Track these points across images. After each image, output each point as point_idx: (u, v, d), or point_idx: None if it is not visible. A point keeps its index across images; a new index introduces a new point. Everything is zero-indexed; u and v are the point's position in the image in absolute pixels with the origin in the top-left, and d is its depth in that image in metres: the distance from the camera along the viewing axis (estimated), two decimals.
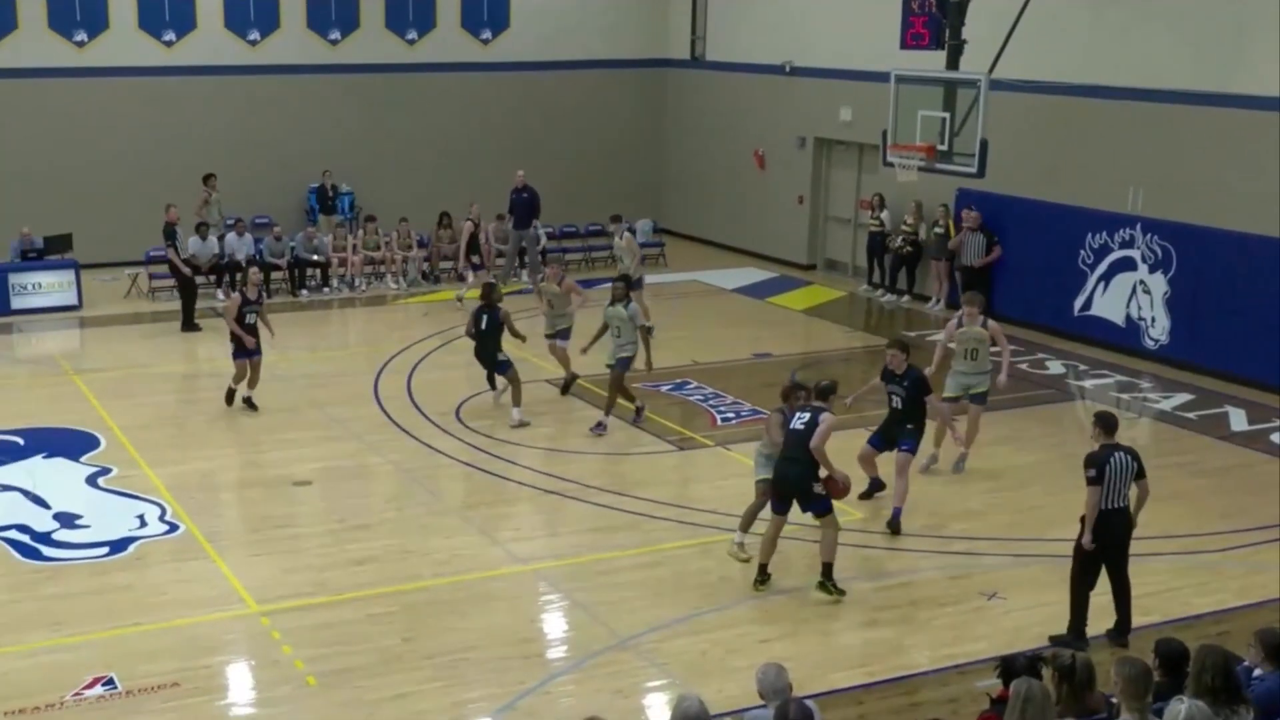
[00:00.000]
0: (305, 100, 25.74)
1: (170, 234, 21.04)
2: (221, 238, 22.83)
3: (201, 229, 22.63)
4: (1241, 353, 17.80)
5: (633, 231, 21.61)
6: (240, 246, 22.82)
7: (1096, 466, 10.18)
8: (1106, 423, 10.42)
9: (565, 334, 17.15)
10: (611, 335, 15.99)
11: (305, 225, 24.56)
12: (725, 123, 27.27)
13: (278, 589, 11.55)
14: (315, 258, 23.49)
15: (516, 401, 16.11)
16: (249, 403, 16.53)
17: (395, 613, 11.12)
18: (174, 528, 12.86)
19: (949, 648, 10.56)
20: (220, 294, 22.61)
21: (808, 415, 11.34)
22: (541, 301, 17.29)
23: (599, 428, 15.77)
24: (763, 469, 12.00)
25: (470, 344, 16.63)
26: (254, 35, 25.40)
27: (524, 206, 24.23)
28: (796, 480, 11.23)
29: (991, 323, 14.60)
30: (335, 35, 25.98)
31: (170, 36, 24.83)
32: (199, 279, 22.44)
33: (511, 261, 24.56)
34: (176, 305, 21.70)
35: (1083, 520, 10.28)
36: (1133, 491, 10.33)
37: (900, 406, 13.08)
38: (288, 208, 25.07)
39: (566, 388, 17.23)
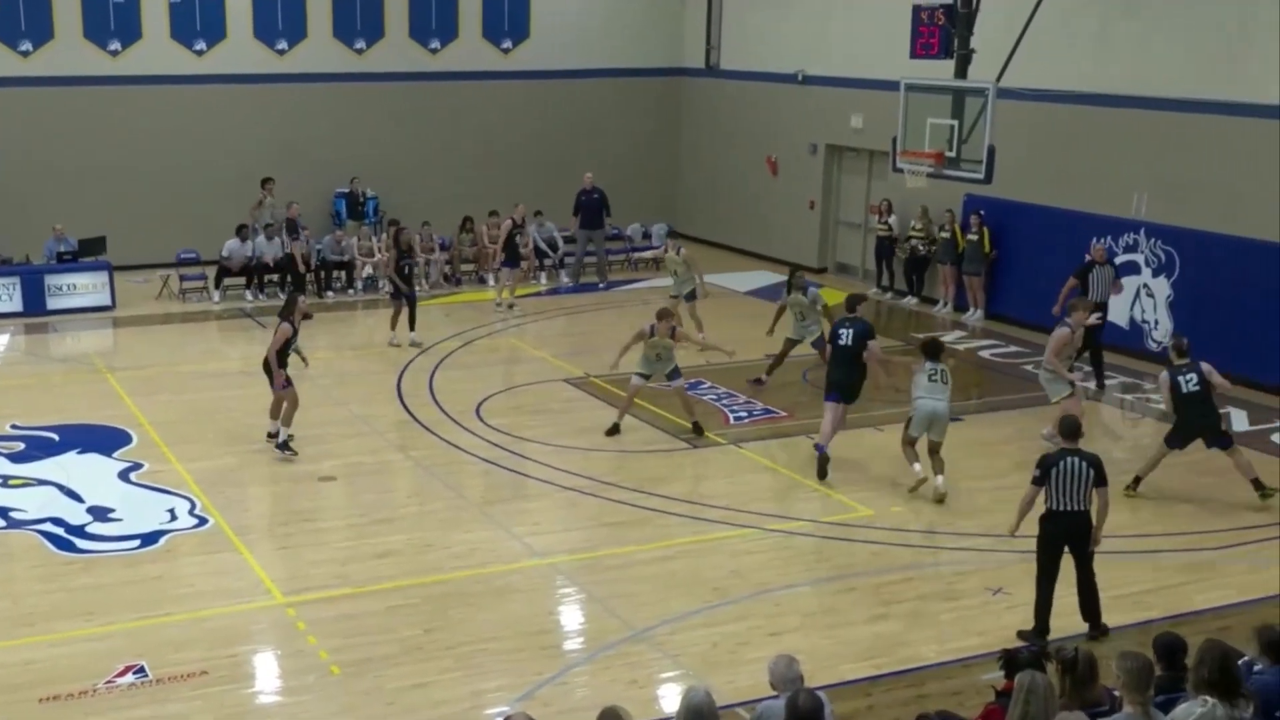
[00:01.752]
0: (331, 108, 25.79)
1: (293, 230, 22.63)
2: (287, 238, 23.05)
3: (242, 230, 22.74)
4: (1242, 355, 17.68)
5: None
6: (269, 249, 22.88)
7: (1042, 468, 10.26)
8: (1066, 428, 10.44)
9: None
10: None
11: (332, 229, 24.60)
12: (739, 130, 27.24)
13: (303, 581, 11.58)
14: (343, 259, 23.54)
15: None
16: (284, 445, 14.79)
17: (416, 604, 11.14)
18: (203, 521, 12.90)
19: (955, 641, 10.54)
20: (249, 294, 22.68)
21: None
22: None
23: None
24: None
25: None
26: (282, 45, 25.46)
27: (593, 208, 24.36)
28: None
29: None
30: (361, 45, 26.03)
31: (201, 46, 24.90)
32: (227, 279, 22.60)
33: (580, 261, 24.70)
34: (204, 306, 21.89)
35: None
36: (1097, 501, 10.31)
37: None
38: (315, 212, 25.10)
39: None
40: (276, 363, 14.74)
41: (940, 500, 13.55)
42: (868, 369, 14.55)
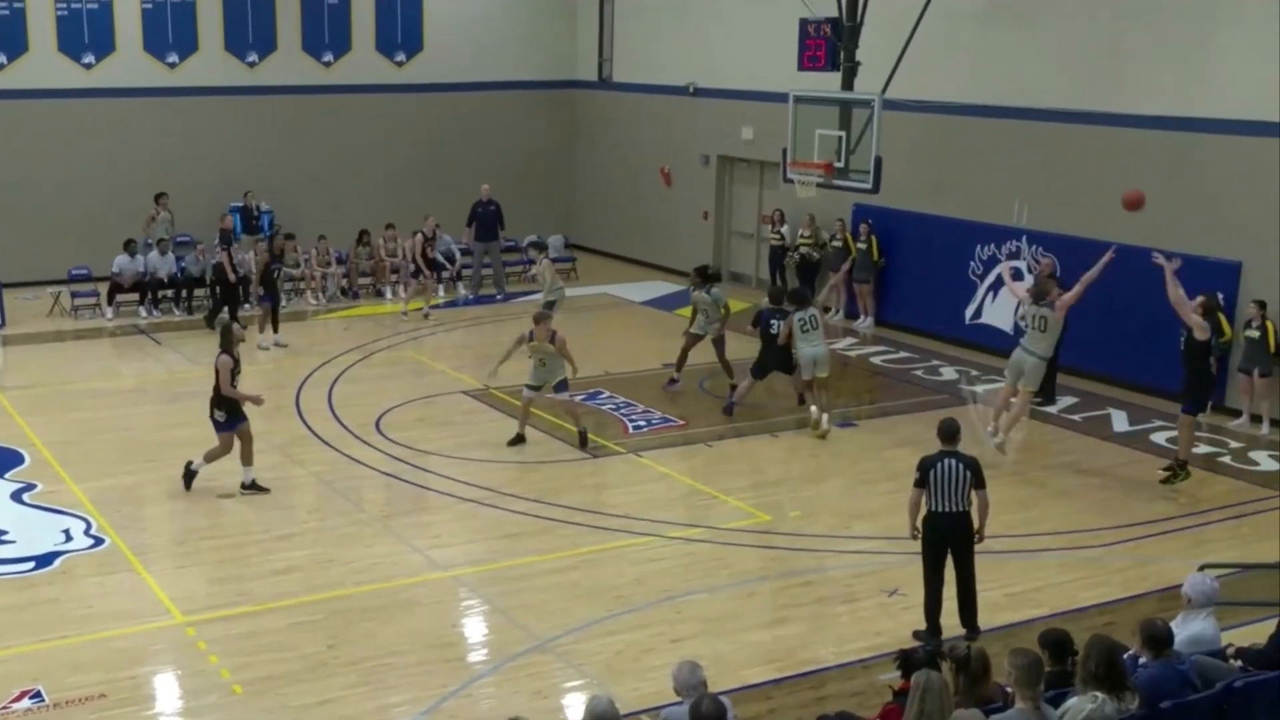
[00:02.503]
0: (224, 121, 25.37)
1: (225, 240, 22.37)
2: (217, 248, 22.62)
3: (130, 246, 22.30)
4: (1122, 358, 18.19)
5: (550, 258, 21.85)
6: (162, 265, 22.46)
7: (921, 470, 10.43)
8: (943, 430, 10.58)
9: (564, 385, 15.71)
10: (701, 316, 17.63)
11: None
12: (632, 141, 27.34)
13: (203, 599, 11.38)
14: (241, 273, 23.10)
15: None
16: (255, 486, 13.91)
17: (319, 620, 11.00)
18: (99, 541, 12.62)
19: (853, 643, 10.67)
20: (143, 311, 22.25)
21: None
22: (532, 355, 15.56)
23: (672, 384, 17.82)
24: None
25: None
26: (173, 58, 25.00)
27: (489, 219, 24.23)
28: None
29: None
30: (253, 58, 25.66)
31: (90, 59, 24.36)
32: (119, 296, 22.17)
33: (478, 273, 24.59)
34: (97, 323, 21.44)
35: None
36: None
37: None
38: (209, 227, 24.63)
39: (584, 439, 15.70)
40: (223, 402, 13.59)
41: (822, 436, 15.82)
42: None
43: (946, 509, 10.36)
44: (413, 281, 22.59)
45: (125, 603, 11.35)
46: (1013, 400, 15.16)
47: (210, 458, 13.89)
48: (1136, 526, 13.26)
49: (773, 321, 16.59)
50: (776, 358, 16.69)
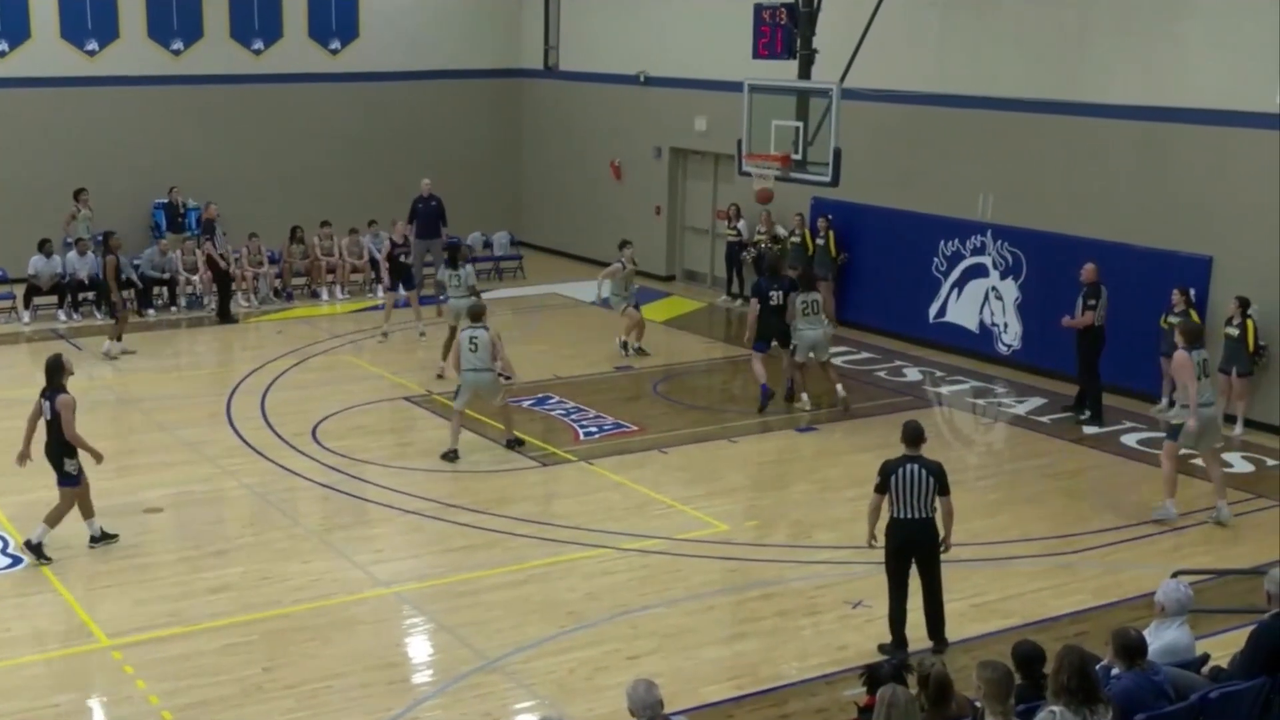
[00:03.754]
0: (148, 113, 25.13)
1: (209, 229, 22.80)
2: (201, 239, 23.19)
3: (45, 246, 22.05)
4: None
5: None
6: (82, 265, 22.24)
7: (882, 474, 10.49)
8: (907, 433, 10.66)
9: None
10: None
11: (150, 242, 23.99)
12: (581, 133, 27.35)
13: (130, 621, 11.26)
14: (164, 275, 23.00)
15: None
16: (104, 536, 12.82)
17: (254, 641, 10.93)
18: (17, 561, 12.47)
19: (816, 657, 10.73)
20: (61, 314, 22.04)
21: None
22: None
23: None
24: None
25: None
26: (92, 45, 24.74)
27: (430, 215, 24.00)
28: None
29: None
30: (178, 45, 25.43)
31: (2, 47, 24.07)
32: (37, 299, 21.96)
33: (419, 272, 24.39)
34: (12, 328, 21.20)
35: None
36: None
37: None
38: (132, 225, 24.41)
39: (513, 444, 15.80)
40: (71, 450, 12.46)
41: (846, 407, 17.06)
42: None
43: (909, 515, 10.43)
44: (384, 295, 21.70)
45: (45, 625, 11.24)
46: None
47: (55, 520, 12.53)
48: (1109, 532, 13.41)
49: (771, 292, 17.32)
50: (776, 328, 17.32)
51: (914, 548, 10.55)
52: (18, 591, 11.84)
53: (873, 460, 15.10)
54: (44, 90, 24.28)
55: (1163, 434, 14.50)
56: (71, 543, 13.08)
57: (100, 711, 10.03)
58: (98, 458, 12.78)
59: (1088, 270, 16.93)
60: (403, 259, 21.32)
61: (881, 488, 10.48)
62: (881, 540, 10.67)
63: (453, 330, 18.25)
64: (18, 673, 10.38)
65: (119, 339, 19.93)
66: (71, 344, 20.41)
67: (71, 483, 12.56)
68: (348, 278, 24.42)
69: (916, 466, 10.43)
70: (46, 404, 12.50)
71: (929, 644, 10.57)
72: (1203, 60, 17.03)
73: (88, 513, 12.81)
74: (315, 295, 24.08)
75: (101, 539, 12.82)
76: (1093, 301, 16.71)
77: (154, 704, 9.92)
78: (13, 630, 11.11)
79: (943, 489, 10.47)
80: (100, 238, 21.61)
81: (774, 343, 17.44)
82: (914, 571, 10.64)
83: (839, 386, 17.21)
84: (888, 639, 10.69)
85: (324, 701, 9.98)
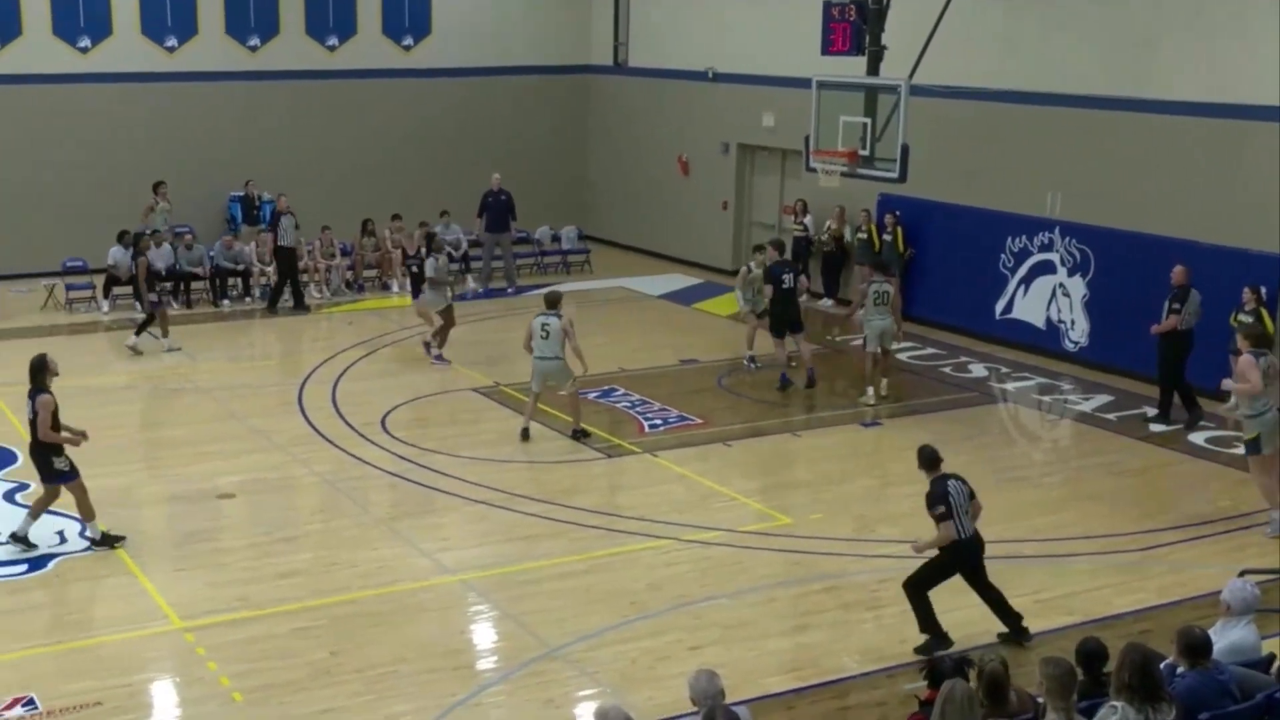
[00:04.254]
0: (225, 108, 25.44)
1: (274, 220, 22.43)
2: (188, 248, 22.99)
3: (124, 237, 22.35)
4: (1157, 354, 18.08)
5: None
6: (158, 257, 22.48)
7: (943, 501, 10.34)
8: (925, 458, 10.69)
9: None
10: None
11: (225, 234, 24.25)
12: (649, 129, 27.34)
13: (202, 604, 11.41)
14: (237, 266, 23.27)
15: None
16: (106, 539, 12.47)
17: (322, 626, 11.03)
18: (92, 545, 12.63)
19: (878, 651, 10.66)
20: (139, 304, 22.36)
21: None
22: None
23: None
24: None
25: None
26: (171, 42, 25.08)
27: (500, 210, 24.23)
28: None
29: None
30: (255, 42, 25.73)
31: (85, 43, 24.45)
32: (116, 289, 22.29)
33: (488, 266, 24.61)
34: (91, 317, 21.55)
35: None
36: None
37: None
38: (208, 217, 24.75)
39: (579, 435, 15.85)
40: (49, 448, 12.32)
41: (884, 397, 17.26)
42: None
43: (968, 533, 10.41)
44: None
45: (121, 607, 11.38)
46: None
47: (88, 512, 12.50)
48: (1173, 530, 13.22)
49: (784, 276, 17.73)
50: (790, 313, 17.82)
51: (972, 560, 10.53)
52: (95, 574, 12.03)
53: None
54: (125, 86, 24.66)
55: (1232, 432, 14.24)
56: (146, 528, 13.29)
57: (172, 691, 10.16)
58: (81, 437, 12.55)
59: (1177, 273, 16.35)
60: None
61: (949, 513, 10.33)
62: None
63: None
64: (91, 652, 10.55)
65: (165, 334, 20.08)
66: (149, 333, 20.67)
67: (66, 478, 12.35)
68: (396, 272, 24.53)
69: (957, 482, 10.44)
70: (29, 403, 12.27)
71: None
72: (1274, 55, 16.71)
73: (87, 514, 12.53)
74: (385, 287, 24.26)
75: (103, 542, 12.48)
76: (1177, 305, 16.17)
77: (225, 685, 10.04)
78: (89, 612, 11.33)
79: (972, 493, 10.53)
80: (137, 237, 21.96)
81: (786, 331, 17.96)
82: None
83: (883, 380, 17.44)
84: (953, 632, 10.57)
85: (390, 686, 10.05)
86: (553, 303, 15.78)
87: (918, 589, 10.58)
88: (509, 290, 24.36)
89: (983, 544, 10.58)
